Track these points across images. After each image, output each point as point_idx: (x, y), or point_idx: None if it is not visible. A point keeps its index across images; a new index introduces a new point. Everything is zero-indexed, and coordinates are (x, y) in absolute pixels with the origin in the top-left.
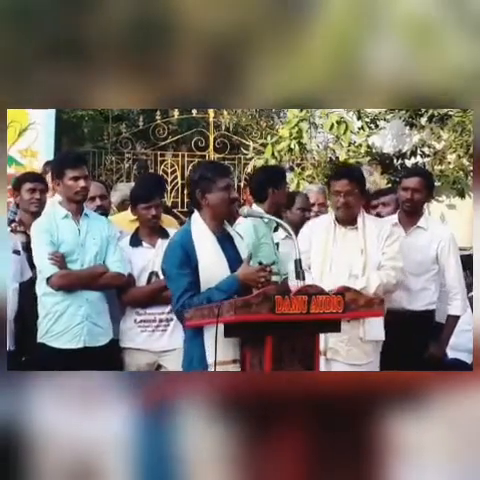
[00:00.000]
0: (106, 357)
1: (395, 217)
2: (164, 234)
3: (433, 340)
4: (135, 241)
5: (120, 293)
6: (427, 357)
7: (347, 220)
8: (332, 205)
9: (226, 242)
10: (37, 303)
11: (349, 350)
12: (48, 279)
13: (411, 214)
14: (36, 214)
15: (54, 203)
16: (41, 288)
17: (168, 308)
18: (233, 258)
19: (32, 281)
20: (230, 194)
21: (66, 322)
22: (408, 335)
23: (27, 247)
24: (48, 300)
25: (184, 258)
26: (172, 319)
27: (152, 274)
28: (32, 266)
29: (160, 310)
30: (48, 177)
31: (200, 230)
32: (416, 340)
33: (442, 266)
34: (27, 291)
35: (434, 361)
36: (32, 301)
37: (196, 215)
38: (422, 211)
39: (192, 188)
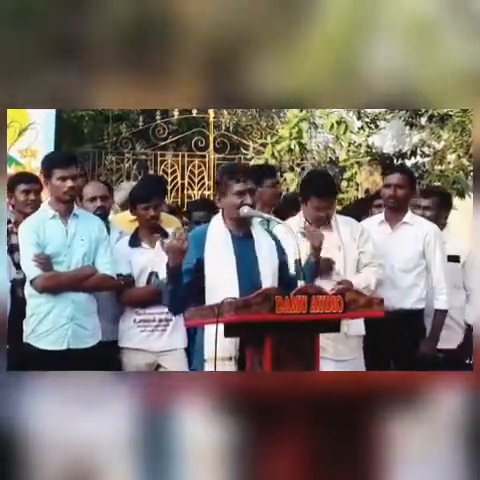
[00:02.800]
0: (94, 359)
1: (381, 215)
2: (164, 234)
3: (423, 337)
4: (134, 241)
5: (119, 293)
6: (419, 355)
7: (321, 224)
8: (307, 214)
9: (244, 242)
10: (22, 303)
11: (335, 347)
12: (32, 281)
13: (396, 210)
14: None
15: (45, 203)
16: (27, 289)
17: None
18: (245, 258)
19: (18, 281)
20: (243, 200)
21: (50, 323)
22: (399, 333)
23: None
24: (33, 301)
25: (190, 251)
26: (171, 319)
27: (151, 274)
28: (17, 266)
29: (159, 310)
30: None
31: (215, 227)
32: (407, 338)
33: (429, 260)
34: (15, 291)
35: (426, 358)
36: (18, 301)
37: (219, 214)
38: (407, 207)
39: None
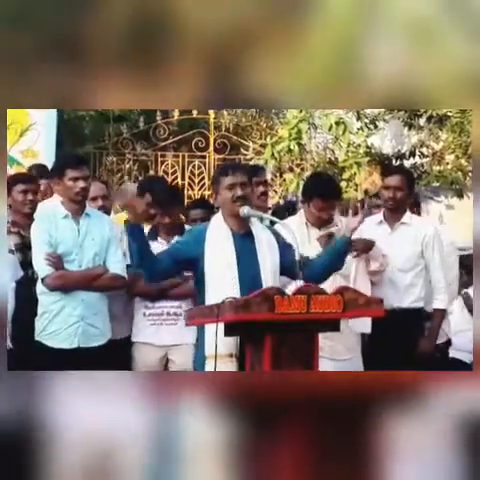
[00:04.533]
0: (104, 357)
1: (380, 215)
2: (182, 231)
3: (421, 336)
4: (152, 234)
5: (130, 285)
6: (417, 354)
7: (323, 224)
8: (308, 214)
9: (245, 240)
10: (30, 302)
11: (332, 346)
12: (43, 279)
13: (395, 211)
14: (29, 215)
15: (56, 203)
16: (39, 287)
17: (177, 302)
18: (246, 256)
19: (24, 280)
20: (234, 193)
21: (61, 322)
22: (397, 332)
23: (21, 247)
24: (45, 299)
25: (187, 247)
26: (181, 314)
27: None
28: (23, 266)
29: (169, 304)
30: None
31: (215, 225)
32: (405, 337)
33: (427, 260)
34: (20, 290)
35: (425, 357)
36: (25, 300)
37: (219, 213)
38: (406, 208)
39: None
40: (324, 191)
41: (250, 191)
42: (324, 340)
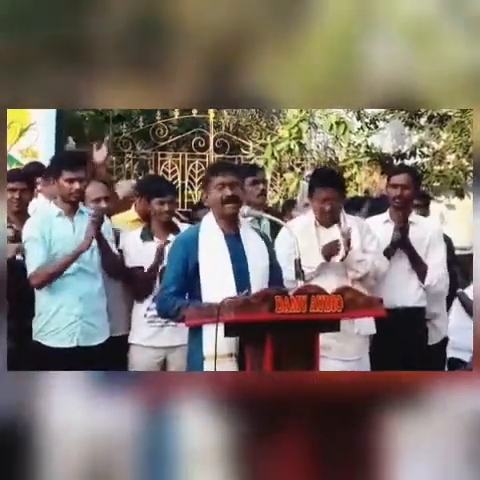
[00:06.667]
0: (104, 356)
1: (386, 214)
2: (176, 231)
3: (424, 335)
4: (146, 235)
5: (132, 285)
6: (420, 353)
7: (330, 222)
8: (315, 210)
9: (235, 241)
10: (24, 300)
11: (340, 346)
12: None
13: (401, 210)
14: (17, 213)
15: (48, 202)
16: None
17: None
18: (237, 257)
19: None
20: (223, 193)
21: (59, 321)
22: (401, 332)
23: (13, 241)
24: (42, 298)
25: (182, 253)
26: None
27: (163, 270)
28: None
29: None
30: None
31: (207, 228)
32: (408, 336)
33: (432, 259)
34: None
35: (426, 357)
36: (22, 299)
37: (209, 214)
38: (411, 207)
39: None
40: (326, 181)
41: (241, 191)
42: (332, 340)
